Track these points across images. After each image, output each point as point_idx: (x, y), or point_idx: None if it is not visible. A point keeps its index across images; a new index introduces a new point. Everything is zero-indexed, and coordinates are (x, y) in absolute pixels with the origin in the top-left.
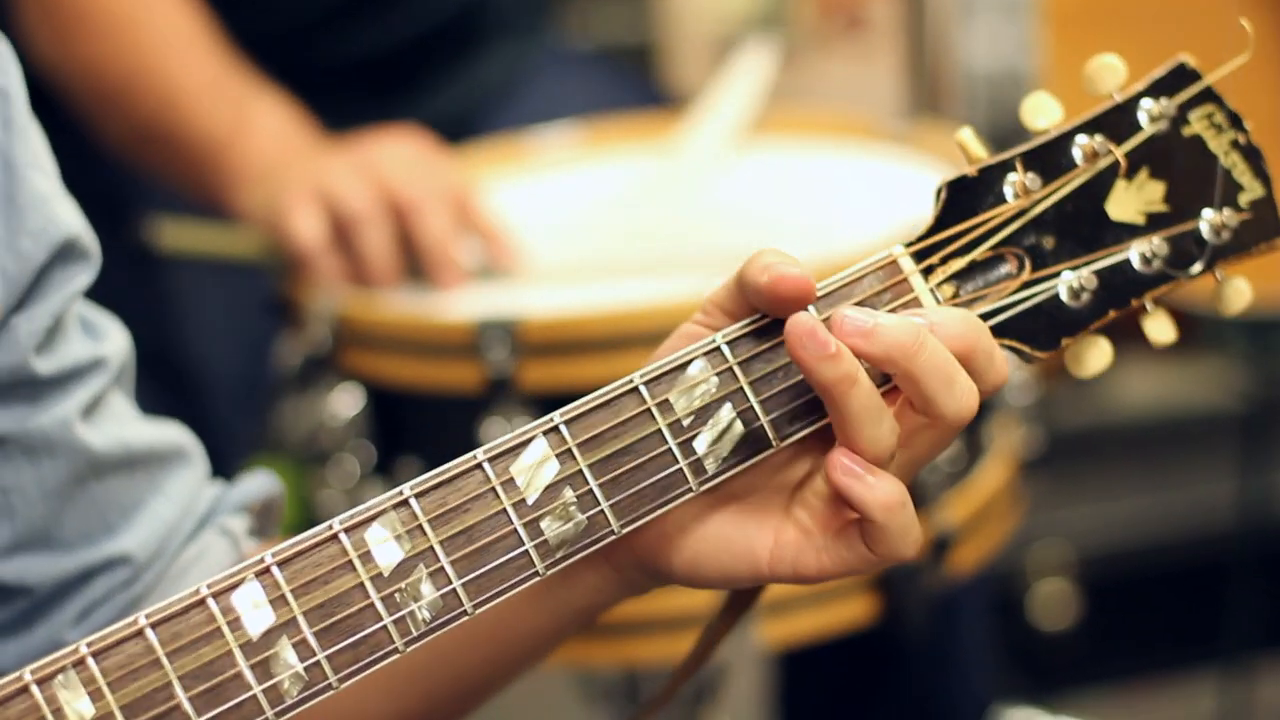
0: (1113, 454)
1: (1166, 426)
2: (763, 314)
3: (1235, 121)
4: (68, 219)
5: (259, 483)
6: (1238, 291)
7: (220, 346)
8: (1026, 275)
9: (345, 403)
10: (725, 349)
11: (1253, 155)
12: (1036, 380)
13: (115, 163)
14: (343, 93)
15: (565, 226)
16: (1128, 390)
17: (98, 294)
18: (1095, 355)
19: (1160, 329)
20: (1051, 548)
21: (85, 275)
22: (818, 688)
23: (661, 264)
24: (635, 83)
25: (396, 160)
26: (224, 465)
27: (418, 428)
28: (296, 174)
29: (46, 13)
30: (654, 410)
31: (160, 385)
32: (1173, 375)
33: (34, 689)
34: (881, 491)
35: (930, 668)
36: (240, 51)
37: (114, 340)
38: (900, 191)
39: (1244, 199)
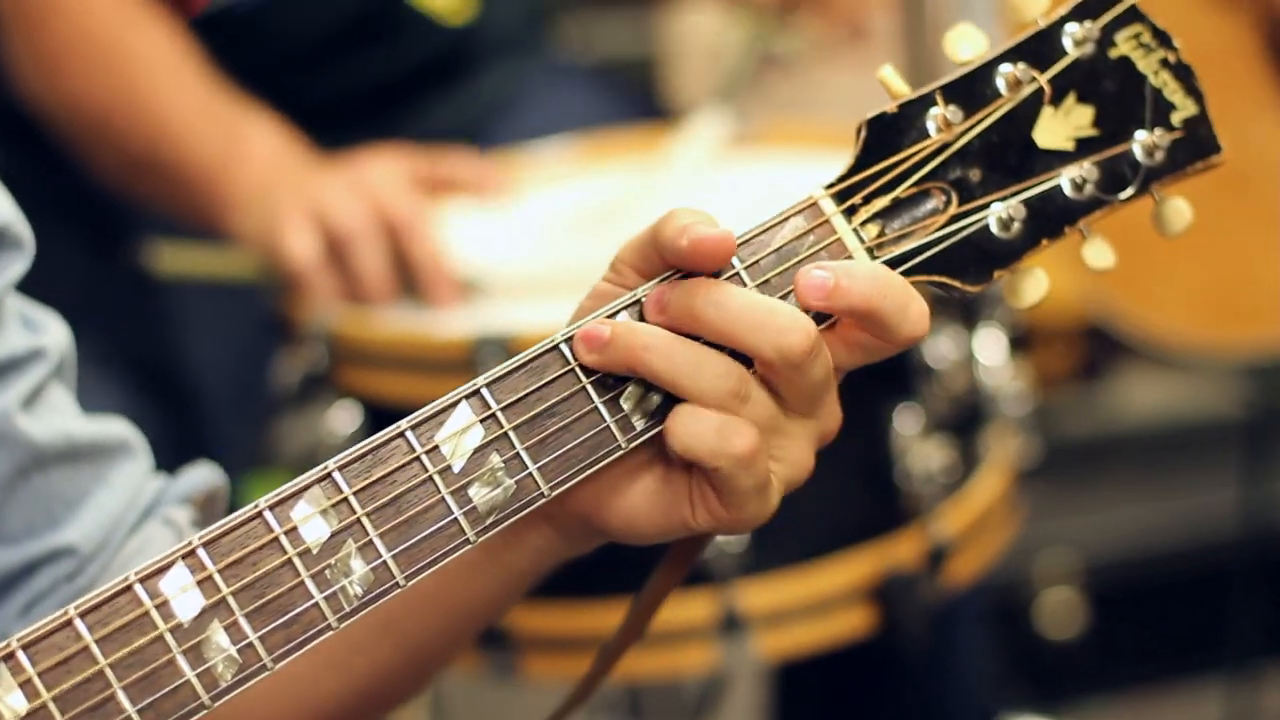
0: (1117, 463)
1: (1170, 435)
2: (677, 269)
3: (1164, 40)
4: (1, 209)
5: (202, 475)
6: (1177, 211)
7: (219, 365)
8: (954, 209)
9: (342, 420)
10: (647, 304)
11: (1184, 73)
12: (1034, 390)
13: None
14: (341, 115)
15: (558, 240)
16: (1132, 399)
17: (94, 314)
18: (1031, 286)
19: (1098, 254)
20: (1057, 556)
21: (19, 264)
22: (817, 699)
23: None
24: (634, 97)
25: (389, 178)
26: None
27: None
28: (290, 194)
29: (32, 48)
30: (578, 370)
31: (160, 404)
32: (1176, 384)
33: None
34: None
35: (929, 678)
36: (239, 81)
37: (53, 333)
38: None
39: (1176, 118)
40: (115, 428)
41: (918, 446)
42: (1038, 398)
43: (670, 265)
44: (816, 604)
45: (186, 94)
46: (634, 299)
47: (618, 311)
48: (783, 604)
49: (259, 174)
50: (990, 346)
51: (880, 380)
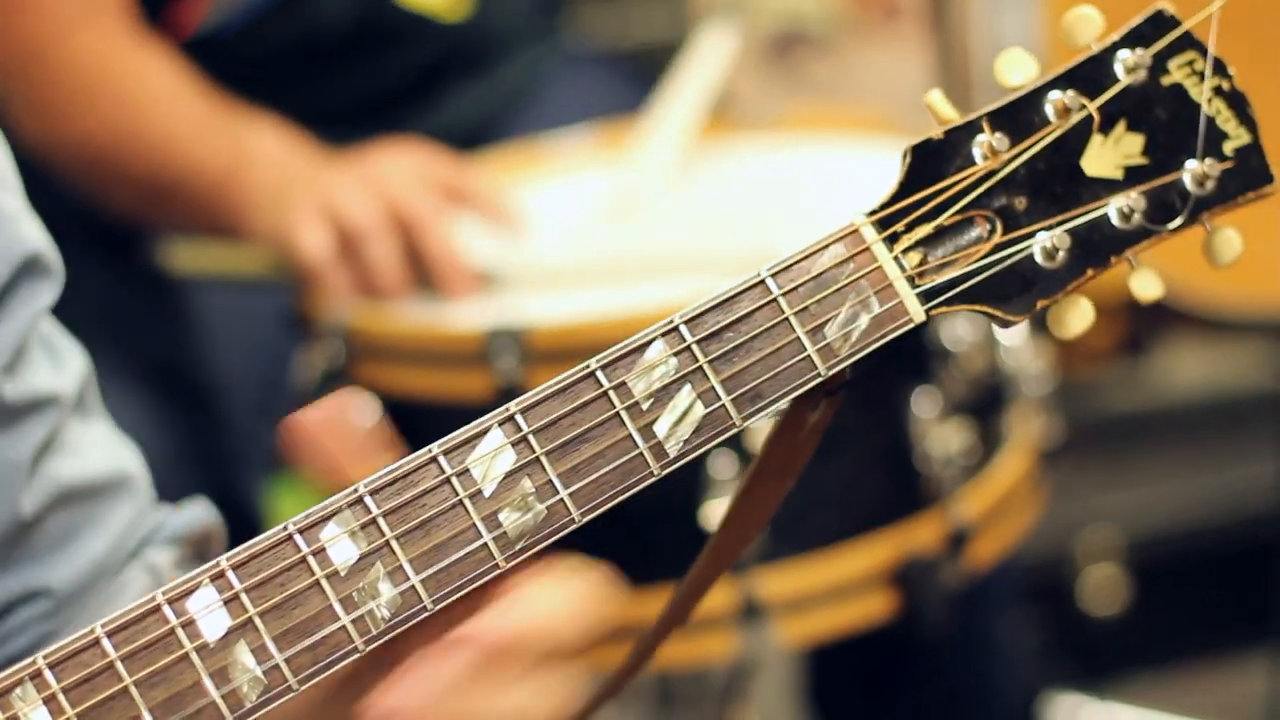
0: (1161, 438)
1: (1214, 410)
2: (722, 291)
3: (1219, 68)
4: (31, 237)
5: (196, 513)
6: (1227, 242)
7: (240, 363)
8: (998, 238)
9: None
10: (683, 329)
11: (1238, 101)
12: (1057, 367)
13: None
14: (358, 110)
15: (575, 231)
16: (1174, 374)
17: (115, 316)
18: (1076, 316)
19: (1147, 286)
20: (1100, 533)
21: (49, 292)
22: (849, 683)
23: (670, 267)
24: (655, 84)
25: (400, 172)
26: (246, 478)
27: (432, 438)
28: (301, 191)
29: (27, 95)
30: (612, 394)
31: (182, 404)
32: (1219, 358)
33: None
34: None
35: (961, 660)
36: (251, 83)
37: (70, 368)
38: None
39: (1229, 147)
40: (118, 462)
41: (936, 430)
42: (1076, 374)
43: None
44: (836, 590)
45: (187, 113)
46: (670, 325)
47: (652, 339)
48: (802, 591)
49: (269, 175)
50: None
51: (898, 364)
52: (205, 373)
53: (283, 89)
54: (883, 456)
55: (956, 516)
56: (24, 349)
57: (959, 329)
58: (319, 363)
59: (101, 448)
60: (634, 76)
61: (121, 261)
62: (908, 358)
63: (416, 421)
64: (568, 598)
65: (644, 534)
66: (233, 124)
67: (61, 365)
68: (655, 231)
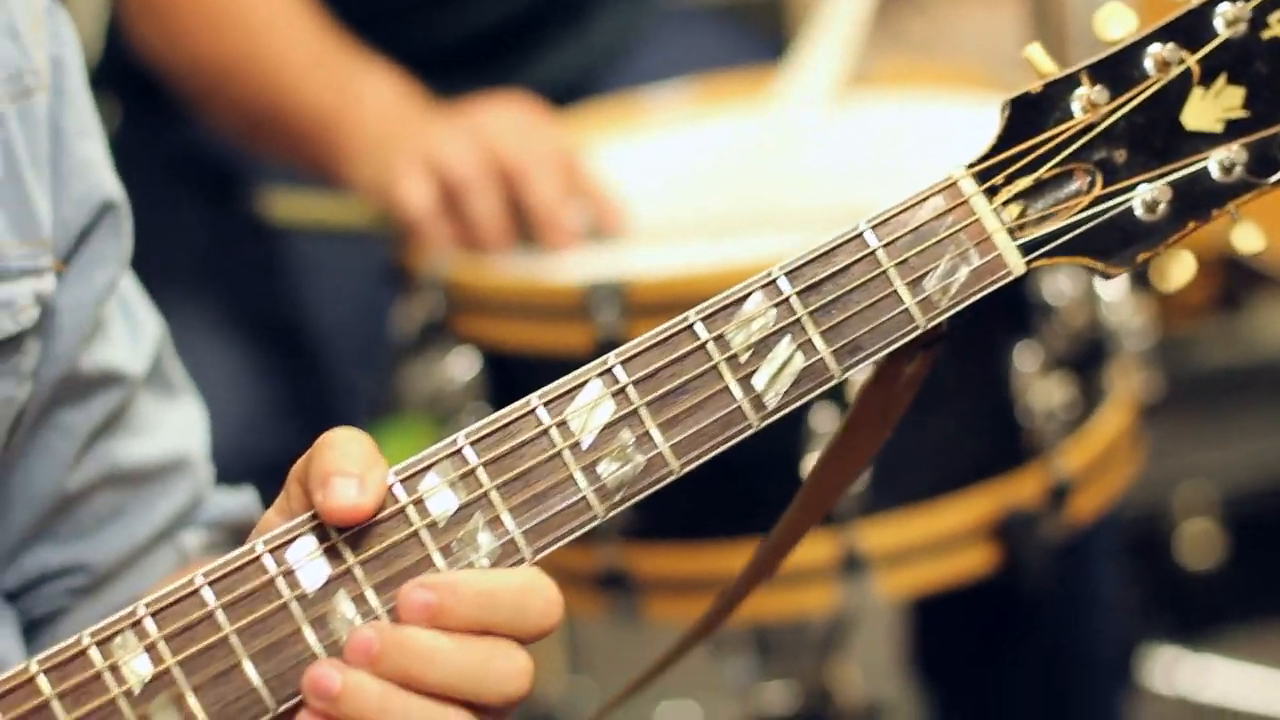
0: (1256, 393)
1: None
2: (822, 243)
3: None
4: (111, 185)
5: (240, 500)
6: None
7: (338, 313)
8: (1098, 190)
9: (461, 366)
10: (782, 281)
11: None
12: (1161, 323)
13: (226, 138)
14: (453, 64)
15: (673, 186)
16: (1270, 330)
17: (215, 266)
18: (1178, 269)
19: (1248, 238)
20: (1196, 487)
21: (126, 242)
22: (949, 637)
23: (767, 221)
24: (754, 39)
25: (503, 126)
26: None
27: (530, 390)
28: (405, 142)
29: (149, 7)
30: (710, 346)
31: (282, 353)
32: None
33: (93, 651)
34: None
35: (1063, 614)
36: (349, 29)
37: (146, 342)
38: None
39: None
40: (180, 445)
41: (1038, 384)
42: (1172, 329)
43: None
44: (938, 543)
45: (301, 47)
46: (769, 278)
47: (750, 292)
48: (903, 543)
49: (374, 123)
50: (1111, 282)
51: (999, 318)
52: (303, 322)
53: (385, 27)
54: (984, 410)
55: (1058, 470)
56: (104, 317)
57: (1060, 284)
58: (418, 314)
59: (166, 429)
60: (729, 33)
61: (221, 211)
62: (1009, 312)
63: (516, 374)
64: None
65: (744, 486)
66: (345, 65)
67: (138, 339)
68: (754, 187)
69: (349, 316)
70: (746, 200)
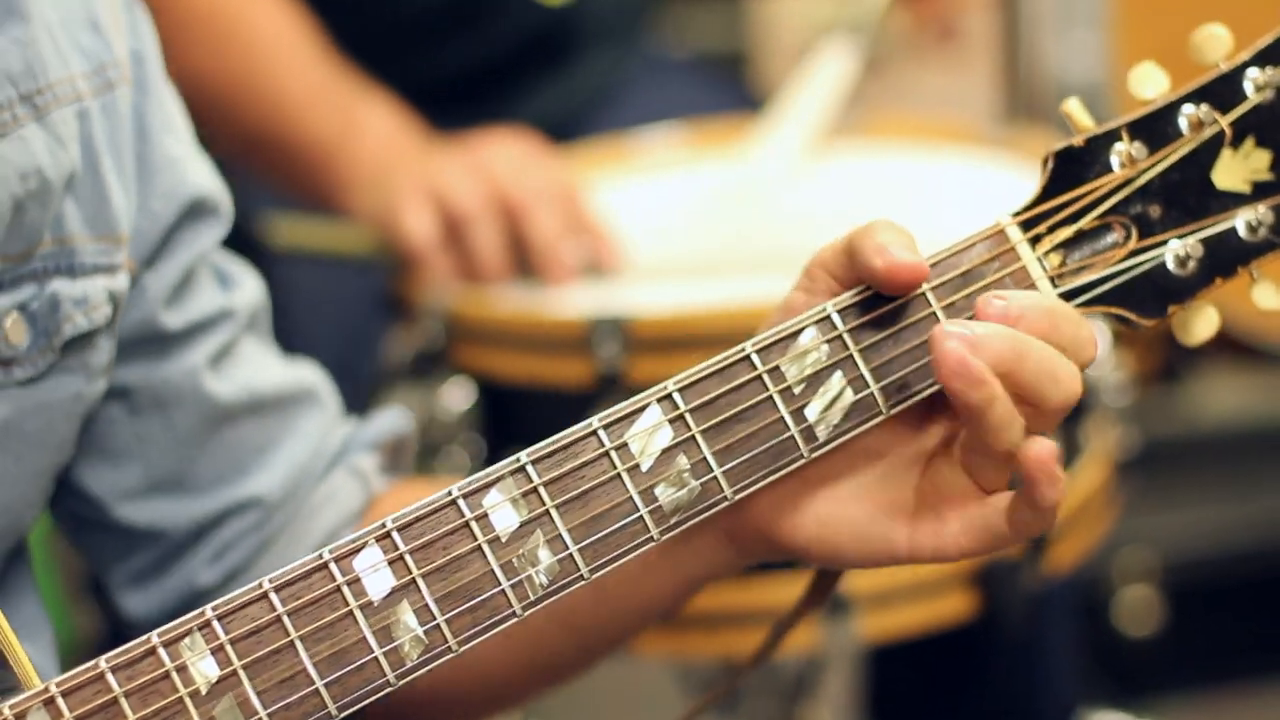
0: (1198, 462)
1: (1251, 436)
2: (868, 286)
3: None
4: (198, 179)
5: (390, 420)
6: None
7: (328, 338)
8: (1133, 244)
9: (456, 397)
10: (835, 317)
11: None
12: (1133, 382)
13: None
14: (445, 98)
15: (666, 225)
16: (1214, 399)
17: None
18: (1202, 323)
19: (1268, 296)
20: (1137, 554)
21: (215, 230)
22: (908, 682)
23: (761, 262)
24: (729, 89)
25: (506, 160)
26: None
27: (528, 422)
28: (407, 174)
29: (156, 25)
30: (765, 378)
31: None
32: (1257, 385)
33: (161, 651)
34: (1044, 452)
35: (1020, 666)
36: (344, 55)
37: (246, 289)
38: (996, 194)
39: None
40: (304, 375)
41: None
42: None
43: (862, 280)
44: (919, 587)
45: (305, 73)
46: (823, 313)
47: (804, 327)
48: (886, 585)
49: (376, 153)
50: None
51: None
52: (294, 346)
53: (383, 50)
54: None
55: None
56: (188, 283)
57: None
58: (414, 343)
59: (280, 363)
60: (708, 81)
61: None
62: None
63: (511, 405)
64: None
65: None
66: (347, 94)
67: (232, 288)
68: (745, 228)
69: (339, 343)
70: (739, 240)
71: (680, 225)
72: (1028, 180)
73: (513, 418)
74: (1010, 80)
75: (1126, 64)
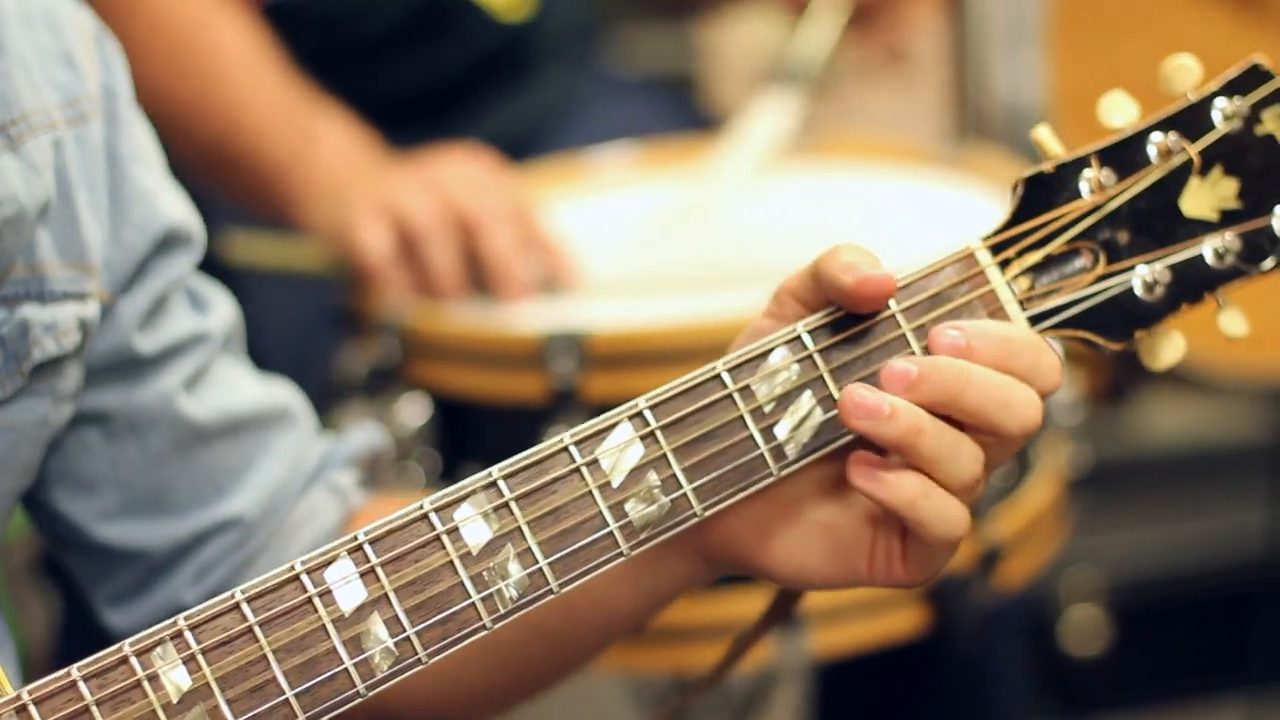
0: (1144, 483)
1: (1196, 458)
2: (837, 307)
3: None
4: (171, 211)
5: (365, 436)
6: None
7: (278, 355)
8: (1101, 269)
9: (412, 412)
10: (806, 337)
11: None
12: (1085, 400)
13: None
14: (401, 115)
15: (621, 242)
16: (1159, 421)
17: None
18: (1168, 348)
19: (1233, 322)
20: (1083, 574)
21: (188, 259)
22: (859, 698)
23: (715, 278)
24: (680, 109)
25: (461, 177)
26: None
27: (483, 437)
28: (363, 190)
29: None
30: (736, 396)
31: None
32: (1203, 408)
33: (133, 659)
34: (902, 488)
35: (969, 684)
36: (302, 73)
37: (220, 311)
38: (948, 212)
39: None
40: (279, 394)
41: None
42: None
43: (829, 301)
44: (870, 602)
45: (262, 90)
46: (793, 334)
47: (774, 347)
48: (837, 601)
49: (332, 169)
50: None
51: None
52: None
53: (341, 66)
54: None
55: (988, 536)
56: (161, 308)
57: None
58: (368, 358)
59: (255, 383)
60: (661, 101)
61: None
62: None
63: (467, 420)
64: None
65: None
66: (303, 110)
67: (206, 311)
68: (699, 246)
69: (294, 358)
70: (693, 257)
71: (634, 242)
72: (976, 198)
73: (468, 433)
74: (958, 100)
75: (1061, 83)
